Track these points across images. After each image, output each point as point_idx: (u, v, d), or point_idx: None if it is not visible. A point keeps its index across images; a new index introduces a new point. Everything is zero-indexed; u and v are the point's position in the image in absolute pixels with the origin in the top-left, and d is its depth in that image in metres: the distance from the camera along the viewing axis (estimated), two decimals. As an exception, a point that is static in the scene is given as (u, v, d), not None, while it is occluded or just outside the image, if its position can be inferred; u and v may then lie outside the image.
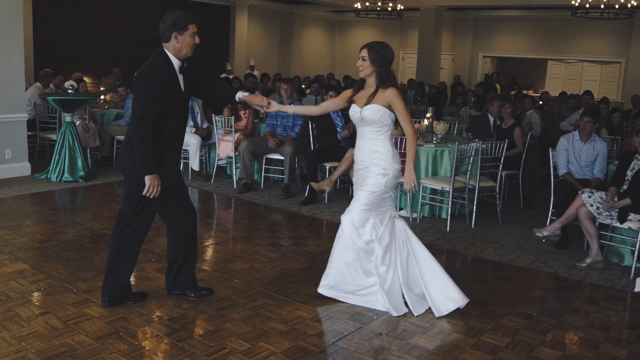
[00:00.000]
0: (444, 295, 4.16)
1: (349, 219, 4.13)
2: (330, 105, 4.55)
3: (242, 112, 8.24)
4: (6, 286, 4.24)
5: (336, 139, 7.59)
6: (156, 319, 3.86)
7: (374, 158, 4.10)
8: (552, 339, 3.85)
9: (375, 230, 4.13)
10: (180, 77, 3.78)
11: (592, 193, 5.35)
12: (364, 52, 4.03)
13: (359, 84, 4.21)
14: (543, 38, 16.57)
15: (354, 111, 4.12)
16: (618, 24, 14.90)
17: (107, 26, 13.58)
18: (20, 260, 4.76)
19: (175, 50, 3.73)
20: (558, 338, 3.88)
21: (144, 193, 3.65)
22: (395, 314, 4.05)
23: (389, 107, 4.03)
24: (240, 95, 4.05)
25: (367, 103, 4.04)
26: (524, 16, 16.65)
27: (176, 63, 3.75)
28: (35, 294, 4.14)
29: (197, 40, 3.76)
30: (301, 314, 4.01)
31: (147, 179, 3.61)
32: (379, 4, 13.12)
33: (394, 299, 4.12)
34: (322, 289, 4.24)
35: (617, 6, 10.89)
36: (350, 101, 4.20)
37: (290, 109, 4.36)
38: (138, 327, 3.72)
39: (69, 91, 7.54)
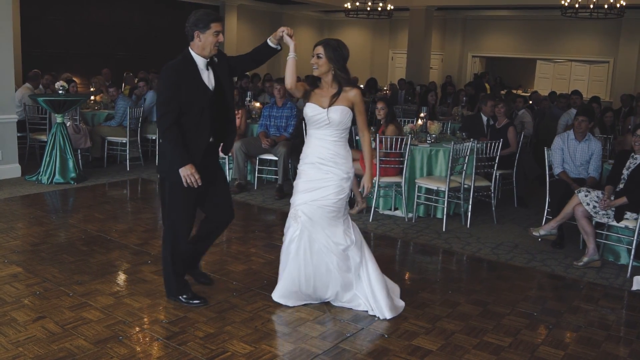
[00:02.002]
0: (390, 300, 4.10)
1: (324, 234, 3.97)
2: (298, 85, 3.98)
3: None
4: (1, 290, 4.16)
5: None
6: (156, 322, 3.81)
7: (337, 161, 3.95)
8: (553, 338, 3.85)
9: (347, 236, 4.03)
10: (207, 74, 3.84)
11: (589, 192, 5.36)
12: (320, 50, 3.87)
13: (313, 81, 4.02)
14: (532, 38, 16.66)
15: (317, 112, 3.89)
16: (606, 23, 15.01)
17: (96, 26, 13.46)
18: (14, 264, 4.68)
19: (199, 48, 3.79)
20: (559, 337, 3.88)
21: (185, 185, 3.78)
22: (382, 316, 4.00)
23: (352, 108, 3.93)
24: (274, 39, 3.89)
25: (332, 104, 3.88)
26: (513, 16, 16.73)
27: (200, 61, 3.81)
28: (31, 298, 4.07)
29: (220, 38, 3.79)
30: (302, 316, 3.98)
31: (181, 171, 3.74)
32: (369, 3, 13.10)
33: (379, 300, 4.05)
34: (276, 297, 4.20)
35: (606, 6, 10.95)
36: (306, 96, 3.97)
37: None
38: (138, 331, 3.67)
39: (60, 92, 7.44)
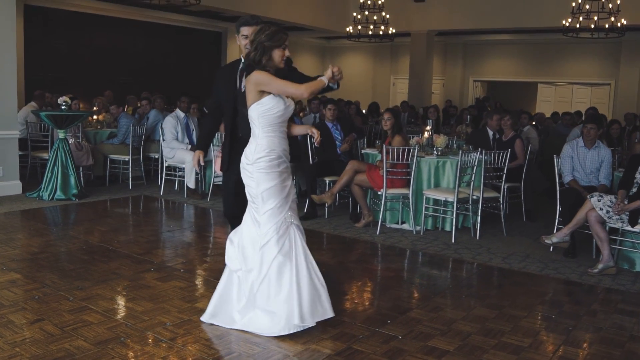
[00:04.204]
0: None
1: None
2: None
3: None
4: (-2, 295, 4.02)
5: (335, 153, 7.48)
6: (159, 325, 3.65)
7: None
8: (575, 339, 3.69)
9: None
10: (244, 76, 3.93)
11: (601, 197, 5.24)
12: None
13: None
14: (532, 61, 16.72)
15: (288, 103, 3.59)
16: (606, 46, 15.10)
17: (98, 51, 13.50)
18: (12, 271, 4.53)
19: (242, 52, 4.03)
20: (581, 338, 3.72)
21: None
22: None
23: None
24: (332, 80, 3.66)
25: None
26: (513, 40, 16.82)
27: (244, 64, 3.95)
28: (30, 302, 3.92)
29: (245, 41, 3.92)
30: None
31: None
32: (371, 26, 13.17)
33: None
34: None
35: (607, 25, 10.99)
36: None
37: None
38: (140, 333, 3.51)
39: (62, 107, 7.38)
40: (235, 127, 4.04)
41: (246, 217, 3.68)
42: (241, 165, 3.64)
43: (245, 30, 3.92)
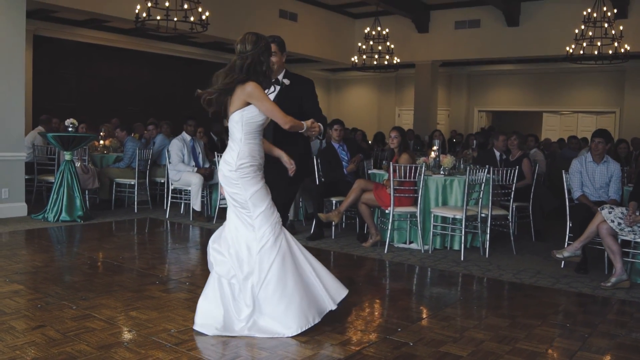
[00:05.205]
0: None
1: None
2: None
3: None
4: (0, 304, 3.93)
5: (342, 173, 7.44)
6: (164, 331, 3.56)
7: None
8: (592, 345, 3.57)
9: None
10: (268, 92, 4.04)
11: (612, 209, 5.17)
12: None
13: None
14: (537, 90, 16.79)
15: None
16: (611, 74, 15.16)
17: (105, 80, 13.66)
18: (15, 282, 4.46)
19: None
20: (598, 344, 3.60)
21: None
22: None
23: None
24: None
25: None
26: (517, 70, 16.93)
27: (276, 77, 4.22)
28: (32, 310, 3.84)
29: (273, 59, 4.03)
30: (319, 327, 3.69)
31: None
32: (375, 56, 13.30)
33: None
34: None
35: (610, 52, 11.06)
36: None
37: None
38: (144, 339, 3.42)
39: (69, 129, 7.41)
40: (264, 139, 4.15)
41: (233, 223, 3.63)
42: (221, 173, 3.63)
43: (273, 48, 4.08)
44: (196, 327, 3.56)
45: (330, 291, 3.65)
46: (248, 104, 3.52)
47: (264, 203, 3.55)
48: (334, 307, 3.64)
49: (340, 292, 3.72)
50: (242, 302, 3.51)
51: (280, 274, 3.47)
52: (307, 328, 3.49)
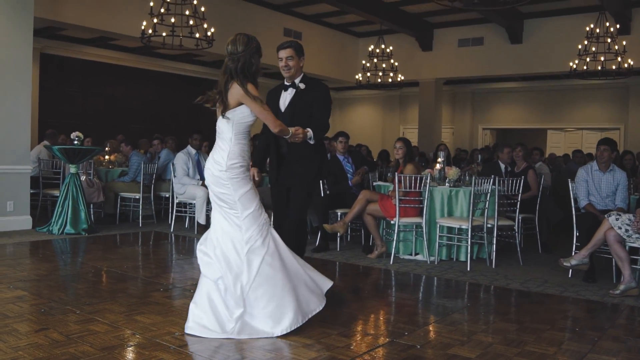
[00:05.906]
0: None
1: None
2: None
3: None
4: (3, 308, 3.91)
5: (347, 185, 7.43)
6: (168, 334, 3.52)
7: None
8: (602, 348, 3.51)
9: None
10: (285, 95, 4.36)
11: (619, 215, 5.13)
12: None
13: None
14: (541, 108, 16.80)
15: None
16: (615, 90, 15.17)
17: (111, 99, 13.76)
18: (19, 289, 4.44)
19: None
20: (608, 347, 3.54)
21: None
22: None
23: None
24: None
25: None
26: (521, 87, 16.97)
27: (285, 83, 4.40)
28: (35, 314, 3.82)
29: (283, 63, 4.29)
30: (325, 330, 3.66)
31: None
32: (380, 73, 13.36)
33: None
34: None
35: (613, 67, 11.09)
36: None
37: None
38: (148, 341, 3.38)
39: (75, 142, 7.44)
40: (280, 145, 4.33)
41: (219, 223, 3.62)
42: (210, 172, 3.60)
43: (282, 54, 4.28)
44: (187, 330, 3.52)
45: (317, 290, 3.68)
46: (241, 104, 3.55)
47: (253, 204, 3.56)
48: (321, 307, 3.66)
49: (326, 284, 3.79)
50: (232, 302, 3.48)
51: (270, 274, 3.48)
52: (297, 327, 3.49)
